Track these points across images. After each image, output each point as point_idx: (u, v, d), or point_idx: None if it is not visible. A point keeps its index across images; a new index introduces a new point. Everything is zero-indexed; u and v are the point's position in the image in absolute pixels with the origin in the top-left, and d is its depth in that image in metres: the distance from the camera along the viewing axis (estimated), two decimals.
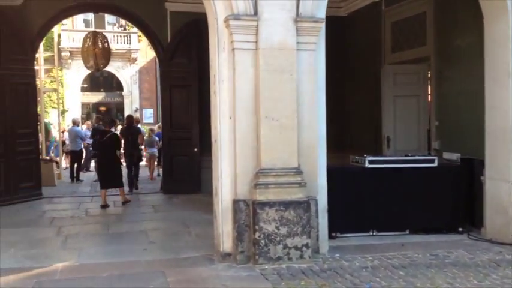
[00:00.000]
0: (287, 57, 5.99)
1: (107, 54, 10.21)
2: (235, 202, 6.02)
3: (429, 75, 9.41)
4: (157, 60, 30.74)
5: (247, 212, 6.00)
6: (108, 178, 10.02)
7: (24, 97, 10.38)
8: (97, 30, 10.67)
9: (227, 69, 6.02)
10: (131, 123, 12.74)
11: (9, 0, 10.08)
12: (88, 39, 10.19)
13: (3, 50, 9.84)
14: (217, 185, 6.23)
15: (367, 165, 7.23)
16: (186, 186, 11.25)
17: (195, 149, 11.28)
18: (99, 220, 8.57)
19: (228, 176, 6.10)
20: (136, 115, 16.04)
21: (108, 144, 10.05)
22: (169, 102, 11.33)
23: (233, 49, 5.95)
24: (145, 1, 11.09)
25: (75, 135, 14.64)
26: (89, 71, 30.45)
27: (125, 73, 31.81)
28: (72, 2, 10.69)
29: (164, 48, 11.29)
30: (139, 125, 14.85)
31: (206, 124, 11.61)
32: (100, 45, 9.97)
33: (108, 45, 10.49)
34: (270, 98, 5.96)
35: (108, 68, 31.21)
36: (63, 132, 17.57)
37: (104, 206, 9.80)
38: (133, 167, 12.44)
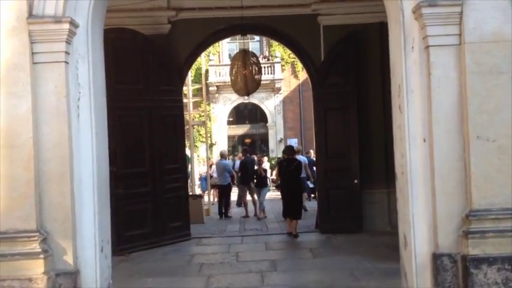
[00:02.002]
0: (505, 53, 4.25)
1: (257, 76, 9.17)
2: (436, 257, 4.35)
3: None
4: (300, 89, 31.05)
5: (454, 272, 4.30)
6: (293, 208, 10.03)
7: (172, 130, 9.77)
8: (246, 49, 9.63)
9: (418, 74, 4.46)
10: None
11: (155, 28, 9.70)
12: (237, 61, 9.26)
13: (151, 80, 9.35)
14: (407, 233, 4.61)
15: None
16: (345, 225, 9.73)
17: (355, 181, 9.74)
18: (252, 268, 7.37)
19: (424, 221, 4.46)
20: (299, 147, 15.02)
21: (294, 173, 10.09)
22: (324, 128, 9.96)
23: (427, 47, 4.38)
24: (295, 17, 10.03)
25: (223, 169, 13.96)
26: (235, 104, 31.73)
27: (269, 104, 31.53)
28: (220, 25, 9.98)
29: (317, 68, 10.03)
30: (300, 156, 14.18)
31: (367, 152, 10.13)
32: (250, 67, 8.92)
33: (259, 65, 9.45)
34: (482, 111, 4.27)
35: (252, 100, 31.41)
36: (211, 166, 17.18)
37: (291, 234, 9.75)
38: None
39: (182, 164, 10.10)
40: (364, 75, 9.81)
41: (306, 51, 10.21)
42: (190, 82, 16.43)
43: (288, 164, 10.37)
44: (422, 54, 4.43)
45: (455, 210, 4.33)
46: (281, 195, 10.75)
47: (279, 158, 18.56)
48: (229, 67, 10.35)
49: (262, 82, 31.83)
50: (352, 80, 9.70)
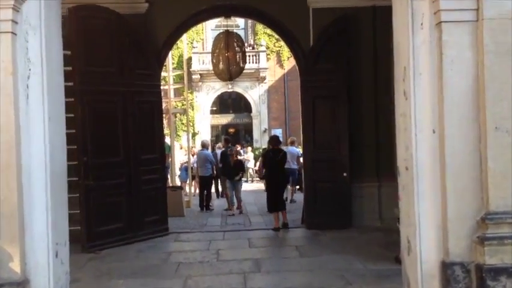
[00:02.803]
0: None
1: (241, 59, 8.42)
2: (446, 266, 3.79)
3: None
4: (285, 79, 30.44)
5: (467, 283, 3.74)
6: (279, 200, 9.77)
7: (149, 117, 9.05)
8: (230, 29, 8.88)
9: (428, 55, 3.86)
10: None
11: (132, 7, 8.94)
12: (219, 43, 8.51)
13: (126, 64, 8.63)
14: (412, 237, 4.02)
15: None
16: (333, 220, 9.17)
17: (344, 174, 9.16)
18: (233, 268, 6.73)
19: (431, 224, 3.89)
20: (293, 138, 14.49)
21: (281, 164, 9.83)
22: (311, 117, 9.34)
23: (439, 23, 3.78)
24: None
25: (204, 159, 13.30)
26: (218, 93, 31.00)
27: (253, 93, 30.87)
28: (202, 5, 9.25)
29: (306, 53, 9.38)
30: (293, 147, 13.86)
31: (357, 143, 9.32)
32: (234, 50, 8.16)
33: (244, 48, 8.71)
34: (502, 98, 3.69)
35: (236, 89, 30.74)
36: (193, 155, 16.50)
37: (278, 229, 9.37)
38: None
39: (160, 154, 9.39)
40: (356, 62, 9.23)
41: (293, 35, 9.53)
42: (171, 68, 15.62)
43: (274, 154, 9.91)
44: (433, 31, 3.82)
45: (469, 212, 3.76)
46: (266, 186, 10.18)
47: (264, 148, 17.93)
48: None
49: (246, 71, 31.31)
50: (343, 66, 9.08)
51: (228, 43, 8.18)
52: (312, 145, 9.39)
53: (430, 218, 3.87)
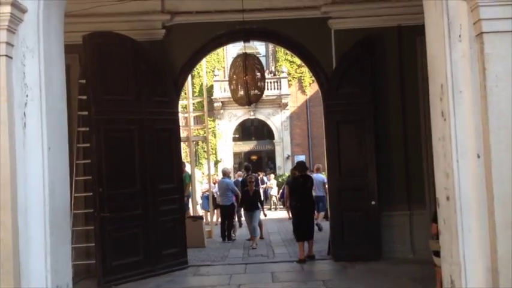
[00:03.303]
0: None
1: (260, 83, 8.02)
2: None
3: None
4: (308, 104, 30.08)
5: None
6: (309, 229, 9.30)
7: (166, 146, 8.74)
8: (248, 52, 8.53)
9: (468, 70, 3.42)
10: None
11: (149, 34, 8.74)
12: (236, 67, 8.14)
13: (143, 91, 8.37)
14: (456, 277, 3.51)
15: None
16: (362, 251, 8.64)
17: (373, 202, 8.65)
18: None
19: (479, 264, 3.39)
20: (319, 165, 14.19)
21: (309, 191, 9.63)
22: (336, 143, 8.89)
23: (480, 34, 3.34)
24: (303, 21, 9.01)
25: (225, 188, 12.89)
26: (240, 120, 30.79)
27: (276, 120, 30.58)
28: (220, 30, 8.99)
29: (328, 77, 8.99)
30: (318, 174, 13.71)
31: (385, 169, 8.69)
32: (252, 73, 7.77)
33: (262, 71, 8.33)
34: None
35: (258, 116, 30.50)
36: (214, 183, 16.13)
37: (304, 261, 8.91)
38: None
39: (179, 183, 9.03)
40: (381, 85, 8.79)
41: (315, 58, 9.16)
42: (191, 95, 15.42)
43: (304, 181, 9.55)
44: (474, 44, 3.39)
45: None
46: (293, 214, 9.74)
47: (288, 176, 17.48)
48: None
49: (268, 98, 31.19)
50: (368, 89, 8.66)
51: (246, 66, 7.83)
52: (338, 173, 8.91)
53: (477, 257, 3.37)
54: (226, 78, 28.98)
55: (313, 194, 10.72)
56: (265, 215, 13.58)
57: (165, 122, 8.78)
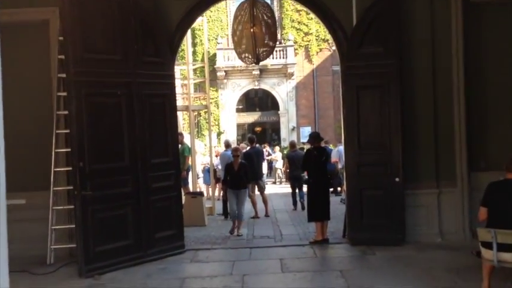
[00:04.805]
0: None
1: (271, 36, 6.65)
2: None
3: None
4: (315, 74, 28.77)
5: None
6: (326, 208, 8.30)
7: (160, 114, 7.59)
8: None
9: None
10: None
11: None
12: (240, 16, 6.78)
13: (132, 50, 7.18)
14: None
15: None
16: (383, 235, 7.66)
17: (396, 179, 7.56)
18: None
19: None
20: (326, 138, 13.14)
21: (325, 166, 8.53)
22: (355, 111, 7.72)
23: None
24: None
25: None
26: (244, 91, 29.46)
27: (281, 90, 29.38)
28: None
29: (348, 34, 7.76)
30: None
31: (411, 142, 7.53)
32: (261, 24, 6.39)
33: (274, 20, 6.91)
34: None
35: (263, 86, 29.23)
36: (217, 156, 15.05)
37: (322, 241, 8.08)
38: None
39: (174, 157, 7.89)
40: (409, 45, 7.61)
41: (332, 13, 7.89)
42: (190, 60, 14.18)
43: (319, 154, 8.41)
44: None
45: None
46: (309, 192, 8.52)
47: (301, 148, 16.43)
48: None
49: (274, 67, 29.86)
50: (394, 49, 7.47)
51: (254, 15, 6.53)
52: (357, 145, 7.78)
53: None
54: (230, 46, 27.77)
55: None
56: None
57: (158, 86, 7.61)
